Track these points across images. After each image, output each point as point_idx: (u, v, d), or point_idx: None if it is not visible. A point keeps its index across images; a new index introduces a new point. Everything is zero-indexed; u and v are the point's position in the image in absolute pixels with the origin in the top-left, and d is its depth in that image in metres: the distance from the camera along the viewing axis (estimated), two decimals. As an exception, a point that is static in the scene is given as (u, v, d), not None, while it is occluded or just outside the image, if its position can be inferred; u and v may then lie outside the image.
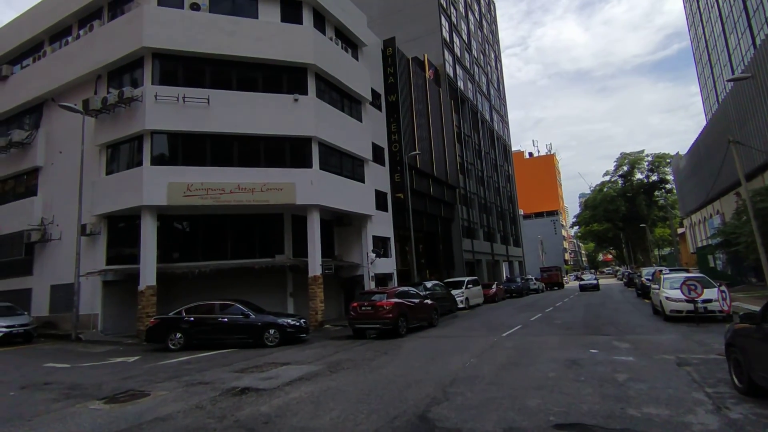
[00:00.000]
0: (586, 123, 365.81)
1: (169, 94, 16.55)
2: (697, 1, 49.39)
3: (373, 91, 24.26)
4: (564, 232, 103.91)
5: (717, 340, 9.56)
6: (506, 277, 44.89)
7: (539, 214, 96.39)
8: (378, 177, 23.99)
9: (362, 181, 21.89)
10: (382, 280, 23.66)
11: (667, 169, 63.68)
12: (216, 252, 18.05)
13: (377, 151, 24.32)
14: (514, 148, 77.52)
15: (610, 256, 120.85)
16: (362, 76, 22.34)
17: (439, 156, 32.12)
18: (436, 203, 32.12)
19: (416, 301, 14.93)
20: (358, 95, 21.92)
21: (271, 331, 12.47)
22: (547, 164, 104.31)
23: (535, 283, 40.62)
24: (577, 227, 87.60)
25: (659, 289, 14.63)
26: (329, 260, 19.43)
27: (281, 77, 18.49)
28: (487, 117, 50.04)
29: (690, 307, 12.61)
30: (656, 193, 68.37)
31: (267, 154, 17.98)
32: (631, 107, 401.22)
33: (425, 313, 15.31)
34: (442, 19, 38.08)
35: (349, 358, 9.89)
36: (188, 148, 17.14)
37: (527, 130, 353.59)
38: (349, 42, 22.38)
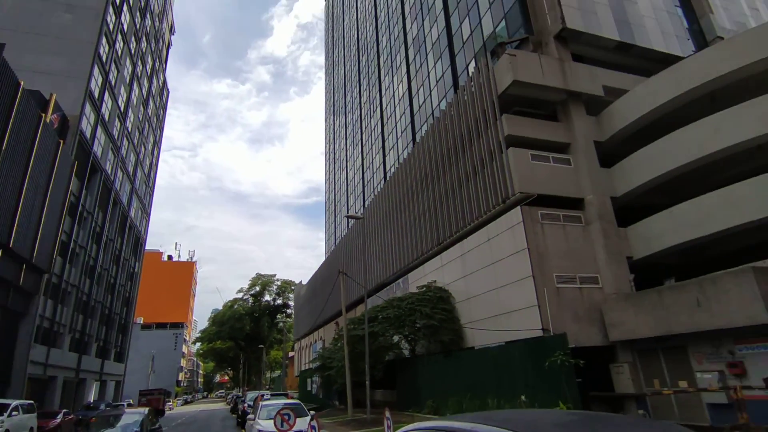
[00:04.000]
0: (236, 242, 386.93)
1: None
2: (334, 164, 62.60)
3: None
4: (185, 348, 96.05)
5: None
6: (88, 402, 33.91)
7: (162, 325, 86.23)
8: None
9: None
10: None
11: (291, 295, 70.88)
12: None
13: None
14: (154, 247, 69.53)
15: (227, 378, 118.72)
16: None
17: (28, 222, 23.16)
18: (1, 287, 21.95)
19: None
20: None
21: None
22: (185, 271, 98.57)
23: (127, 411, 32.33)
24: (200, 343, 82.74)
25: (255, 419, 12.62)
26: None
27: None
28: (124, 200, 42.79)
29: (282, 441, 10.92)
30: (279, 316, 74.06)
31: None
32: (274, 237, 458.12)
33: None
34: (95, 69, 31.82)
35: None
36: None
37: (177, 234, 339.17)
38: None
